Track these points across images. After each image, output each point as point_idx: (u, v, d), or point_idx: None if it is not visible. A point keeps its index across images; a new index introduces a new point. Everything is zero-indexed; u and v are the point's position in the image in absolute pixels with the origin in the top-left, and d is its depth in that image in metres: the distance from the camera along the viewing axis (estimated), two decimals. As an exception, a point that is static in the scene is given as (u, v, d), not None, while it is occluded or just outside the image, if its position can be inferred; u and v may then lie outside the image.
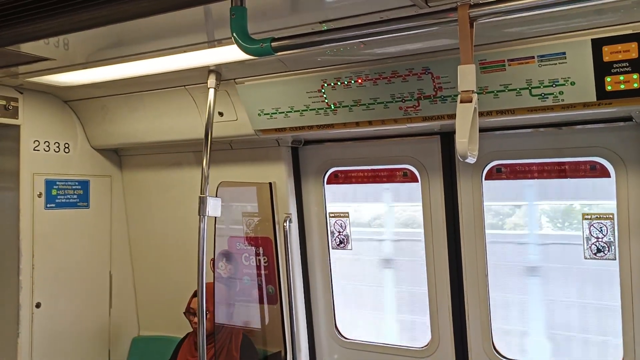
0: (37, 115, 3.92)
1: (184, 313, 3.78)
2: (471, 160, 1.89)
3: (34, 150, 3.91)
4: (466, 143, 1.79)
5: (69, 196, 4.12)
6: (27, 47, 2.84)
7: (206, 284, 3.11)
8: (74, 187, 4.16)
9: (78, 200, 4.20)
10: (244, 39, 2.00)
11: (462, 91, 1.79)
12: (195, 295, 3.77)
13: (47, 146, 3.99)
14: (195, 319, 3.71)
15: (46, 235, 3.97)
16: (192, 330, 3.87)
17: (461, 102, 1.79)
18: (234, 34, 2.00)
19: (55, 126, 4.06)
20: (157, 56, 2.93)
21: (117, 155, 4.57)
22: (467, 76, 1.79)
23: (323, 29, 2.39)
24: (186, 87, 3.57)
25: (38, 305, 3.91)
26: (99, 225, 4.39)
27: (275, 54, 2.03)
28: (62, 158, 4.10)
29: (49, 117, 4.01)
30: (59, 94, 4.02)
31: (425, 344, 3.72)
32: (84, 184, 4.25)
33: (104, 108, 4.06)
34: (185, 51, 2.84)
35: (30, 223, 3.88)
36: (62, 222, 4.09)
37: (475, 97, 1.78)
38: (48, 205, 3.98)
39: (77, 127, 4.22)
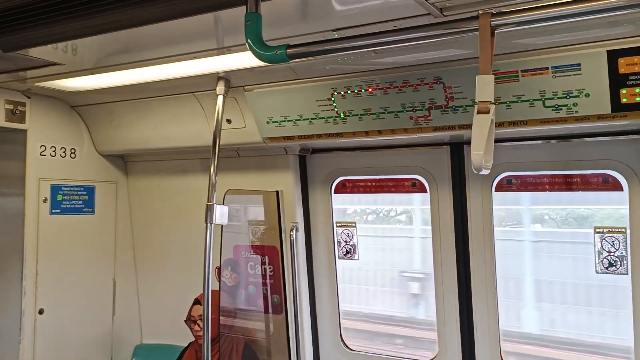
0: (44, 120, 3.90)
1: (185, 321, 3.75)
2: (485, 172, 1.86)
3: (41, 155, 3.88)
4: (482, 155, 1.75)
5: (74, 202, 4.09)
6: (36, 52, 2.82)
7: (213, 291, 3.07)
8: (79, 192, 4.13)
9: (83, 205, 4.17)
10: (259, 46, 1.97)
11: (479, 102, 1.75)
12: (195, 303, 3.74)
13: (54, 151, 3.96)
14: (196, 327, 3.68)
15: (51, 241, 3.94)
16: (194, 339, 3.84)
17: (478, 112, 1.75)
18: (249, 41, 1.97)
19: (62, 131, 4.04)
20: (166, 62, 2.91)
21: (123, 161, 4.55)
22: (485, 87, 1.75)
23: (334, 37, 2.37)
24: (194, 93, 3.55)
25: (41, 312, 3.87)
26: (103, 232, 4.36)
27: (290, 61, 2.00)
28: (68, 163, 4.08)
29: (56, 122, 4.00)
30: (66, 99, 4.00)
31: (433, 356, 3.67)
32: (90, 190, 4.23)
33: (111, 114, 4.04)
34: (194, 58, 2.82)
35: (35, 228, 3.85)
36: (67, 227, 4.06)
37: (492, 108, 1.75)
38: (53, 211, 3.96)
39: (83, 133, 4.21)
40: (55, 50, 2.80)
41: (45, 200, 3.90)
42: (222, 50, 2.73)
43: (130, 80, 3.31)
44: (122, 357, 4.50)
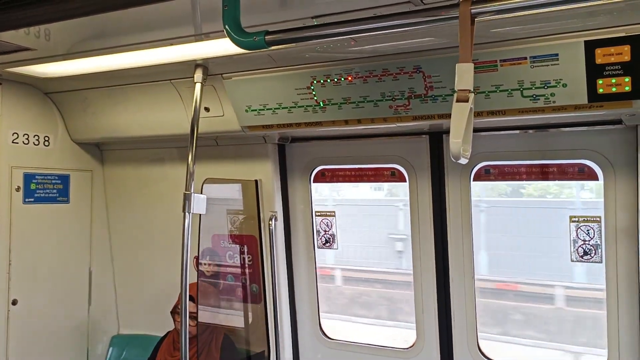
0: (17, 107, 3.81)
1: (171, 313, 3.71)
2: (463, 161, 1.85)
3: (13, 142, 3.79)
4: (460, 143, 1.74)
5: (48, 191, 4.01)
6: (7, 36, 2.73)
7: (191, 284, 3.04)
8: (53, 181, 4.05)
9: (58, 195, 4.09)
10: (237, 32, 1.94)
11: (458, 90, 1.74)
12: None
13: (27, 139, 3.87)
14: (179, 318, 3.64)
15: (24, 230, 3.86)
16: (173, 329, 3.80)
17: (457, 101, 1.74)
18: (226, 27, 1.93)
19: (35, 118, 3.95)
20: (142, 49, 2.85)
21: (99, 150, 4.47)
22: (464, 75, 1.74)
23: (314, 24, 2.34)
24: (172, 81, 3.49)
25: (14, 302, 3.80)
26: (79, 221, 4.29)
27: (269, 47, 1.96)
28: (41, 151, 3.99)
29: (29, 109, 3.90)
30: (39, 86, 3.91)
31: (411, 344, 3.70)
32: (64, 179, 4.15)
33: (86, 101, 3.96)
34: (171, 44, 2.76)
35: (8, 217, 3.77)
36: (41, 217, 3.98)
37: (472, 96, 1.74)
38: (26, 200, 3.88)
39: (57, 120, 4.11)
40: (27, 35, 2.72)
41: (18, 189, 3.82)
42: (199, 36, 2.68)
43: (106, 67, 3.23)
44: (98, 347, 4.45)
